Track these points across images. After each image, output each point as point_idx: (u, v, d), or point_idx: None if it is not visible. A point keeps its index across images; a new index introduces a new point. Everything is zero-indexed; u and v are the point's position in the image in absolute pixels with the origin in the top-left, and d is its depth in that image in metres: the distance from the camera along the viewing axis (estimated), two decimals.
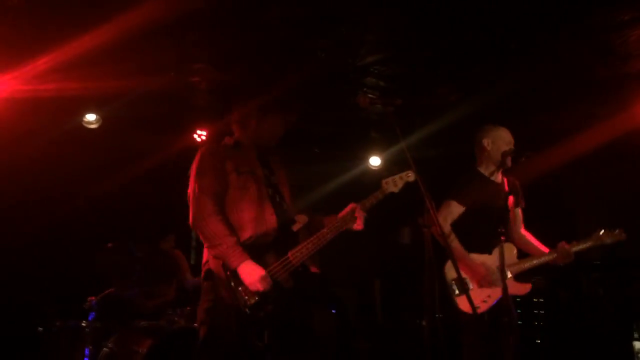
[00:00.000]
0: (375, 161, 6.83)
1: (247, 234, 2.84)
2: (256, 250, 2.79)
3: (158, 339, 4.07)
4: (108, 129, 5.66)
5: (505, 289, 3.23)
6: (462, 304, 3.52)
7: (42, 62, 4.70)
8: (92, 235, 5.67)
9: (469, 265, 3.57)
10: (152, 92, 5.30)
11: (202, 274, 2.91)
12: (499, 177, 3.83)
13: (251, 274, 2.69)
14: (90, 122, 5.54)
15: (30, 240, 5.41)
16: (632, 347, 5.22)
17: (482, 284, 3.56)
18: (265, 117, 3.10)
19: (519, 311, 5.43)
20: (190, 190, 2.92)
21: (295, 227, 2.97)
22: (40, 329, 4.55)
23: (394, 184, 3.09)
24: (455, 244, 3.62)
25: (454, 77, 5.35)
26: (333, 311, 6.02)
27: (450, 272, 3.59)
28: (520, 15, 4.25)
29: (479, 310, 3.47)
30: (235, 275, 2.71)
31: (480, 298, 3.52)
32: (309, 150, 6.93)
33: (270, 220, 2.89)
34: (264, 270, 2.72)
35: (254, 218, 2.87)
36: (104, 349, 4.19)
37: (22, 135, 5.34)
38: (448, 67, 5.15)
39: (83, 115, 5.52)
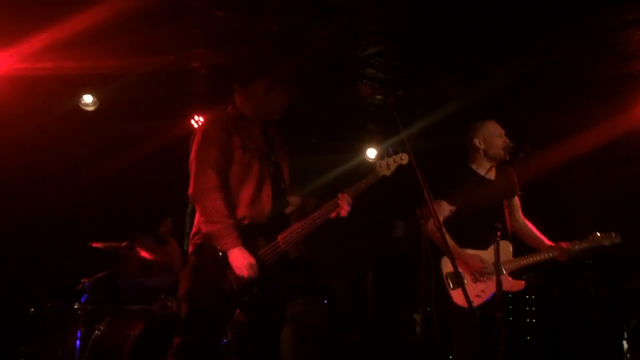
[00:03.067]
0: (372, 153, 6.83)
1: (241, 213, 2.80)
2: (248, 232, 2.76)
3: (150, 323, 4.07)
4: (105, 112, 5.62)
5: (499, 284, 3.24)
6: (457, 297, 3.51)
7: (40, 40, 4.66)
8: (87, 217, 5.67)
9: (463, 259, 3.57)
10: (151, 75, 5.26)
11: (191, 246, 2.84)
12: (493, 173, 3.80)
13: (241, 260, 2.67)
14: (87, 104, 5.49)
15: (24, 220, 5.38)
16: (622, 346, 5.27)
17: (477, 277, 3.56)
18: (272, 88, 3.00)
19: (510, 307, 5.49)
20: (192, 160, 2.83)
21: (288, 210, 2.93)
22: (32, 309, 4.53)
23: (387, 167, 3.00)
24: (446, 238, 3.61)
25: (454, 71, 5.34)
26: (325, 301, 6.02)
27: (446, 265, 3.58)
28: (523, 11, 4.24)
29: (473, 305, 3.47)
30: (225, 256, 2.69)
31: (474, 292, 3.52)
32: (307, 140, 6.92)
33: (266, 201, 2.85)
34: (252, 258, 2.69)
35: (252, 198, 2.82)
36: (96, 331, 4.18)
37: (19, 115, 5.30)
38: (448, 61, 5.14)
39: (80, 96, 5.47)
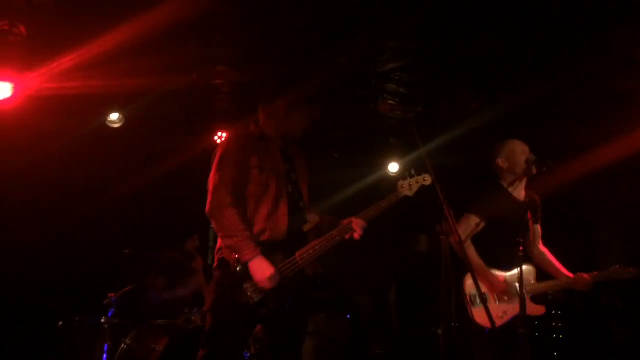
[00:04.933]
0: (394, 167, 6.83)
1: (258, 231, 2.86)
2: (266, 249, 2.81)
3: (175, 338, 4.12)
4: (131, 129, 5.75)
5: (523, 301, 3.21)
6: (479, 316, 3.49)
7: (68, 60, 4.80)
8: (113, 233, 5.77)
9: (488, 279, 3.55)
10: (175, 93, 5.37)
11: (215, 261, 2.93)
12: (521, 193, 3.79)
13: (261, 270, 2.72)
14: (113, 122, 5.63)
15: (52, 236, 5.49)
16: None
17: (500, 298, 3.54)
18: (293, 108, 3.07)
19: (536, 323, 5.40)
20: (211, 178, 2.93)
21: (306, 228, 2.97)
22: (61, 323, 4.61)
23: (409, 188, 3.05)
24: (471, 254, 3.60)
25: (475, 86, 5.33)
26: (347, 316, 6.01)
27: (469, 283, 3.56)
28: (543, 26, 4.23)
29: (492, 325, 3.44)
30: (244, 270, 2.75)
31: (497, 313, 3.49)
32: (329, 155, 6.95)
33: (282, 220, 2.91)
34: (274, 269, 2.74)
35: (268, 216, 2.88)
36: (122, 345, 4.25)
37: (48, 133, 5.44)
38: (469, 76, 5.14)
39: (107, 114, 5.61)
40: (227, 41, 4.63)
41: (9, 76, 4.72)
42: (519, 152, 3.74)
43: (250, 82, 5.23)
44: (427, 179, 3.03)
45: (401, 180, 3.06)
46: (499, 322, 3.47)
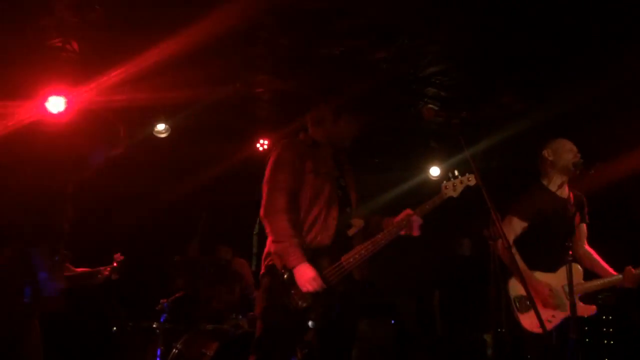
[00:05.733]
0: (435, 171, 6.79)
1: (308, 234, 2.92)
2: (313, 253, 2.85)
3: (224, 343, 4.21)
4: (176, 139, 5.90)
5: (573, 305, 3.15)
6: (525, 321, 3.45)
7: (117, 74, 4.97)
8: (162, 240, 5.93)
9: (532, 284, 3.50)
10: (218, 102, 5.49)
11: (263, 268, 2.98)
12: (565, 191, 3.72)
13: (303, 274, 2.76)
14: (160, 132, 5.80)
15: (104, 244, 5.67)
16: None
17: (545, 304, 3.49)
18: (339, 116, 3.11)
19: (586, 329, 5.29)
20: (265, 182, 2.99)
21: (351, 232, 3.00)
22: (115, 328, 4.77)
23: (453, 188, 3.02)
24: (517, 258, 3.55)
25: (519, 86, 5.26)
26: (392, 321, 6.00)
27: (514, 288, 3.52)
28: (589, 23, 4.16)
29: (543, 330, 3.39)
30: (291, 277, 2.79)
31: (544, 317, 3.41)
32: (369, 159, 6.97)
33: (332, 224, 2.95)
34: (315, 272, 2.77)
35: (319, 220, 2.94)
36: (174, 350, 4.36)
37: (97, 144, 5.63)
38: (513, 76, 5.07)
39: (153, 125, 5.78)
40: (269, 50, 4.71)
41: (62, 91, 4.93)
42: (567, 148, 3.69)
43: (292, 90, 5.31)
44: (472, 179, 3.00)
45: (445, 182, 3.04)
46: (548, 326, 3.41)
